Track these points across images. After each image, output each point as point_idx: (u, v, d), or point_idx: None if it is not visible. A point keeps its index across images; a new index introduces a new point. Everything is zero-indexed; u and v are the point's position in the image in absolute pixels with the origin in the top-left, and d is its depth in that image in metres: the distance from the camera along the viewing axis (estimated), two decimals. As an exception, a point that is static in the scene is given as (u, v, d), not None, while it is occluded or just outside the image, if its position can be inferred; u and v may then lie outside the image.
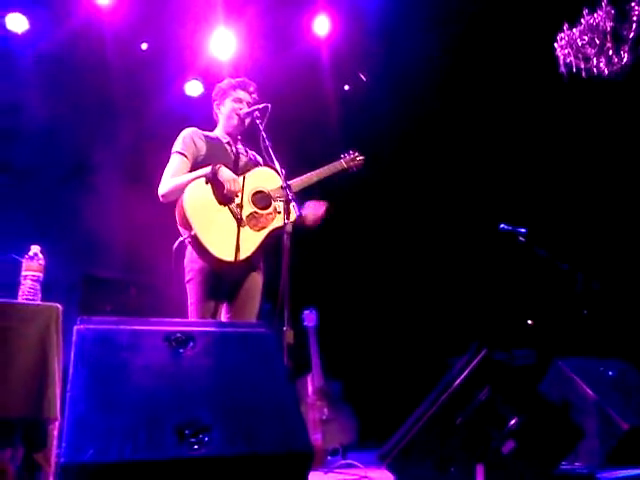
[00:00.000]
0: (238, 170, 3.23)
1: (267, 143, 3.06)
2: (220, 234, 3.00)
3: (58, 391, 2.57)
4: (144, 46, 5.37)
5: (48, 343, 2.58)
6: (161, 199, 3.13)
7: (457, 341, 4.07)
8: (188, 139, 3.24)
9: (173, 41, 5.36)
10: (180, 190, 3.06)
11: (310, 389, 4.29)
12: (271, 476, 1.94)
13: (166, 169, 3.19)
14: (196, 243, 3.00)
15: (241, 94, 3.34)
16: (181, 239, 3.08)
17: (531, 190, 5.72)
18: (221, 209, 3.06)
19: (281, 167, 3.01)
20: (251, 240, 3.05)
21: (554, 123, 5.64)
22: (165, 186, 3.12)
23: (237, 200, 3.09)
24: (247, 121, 3.31)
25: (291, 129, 4.88)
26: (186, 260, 3.16)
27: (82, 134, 5.10)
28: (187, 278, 3.15)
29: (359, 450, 4.22)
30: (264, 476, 1.93)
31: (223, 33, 5.33)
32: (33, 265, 2.77)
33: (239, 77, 3.47)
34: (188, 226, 3.00)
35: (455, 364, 3.16)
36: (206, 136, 3.30)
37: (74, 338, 2.02)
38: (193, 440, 1.84)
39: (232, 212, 3.07)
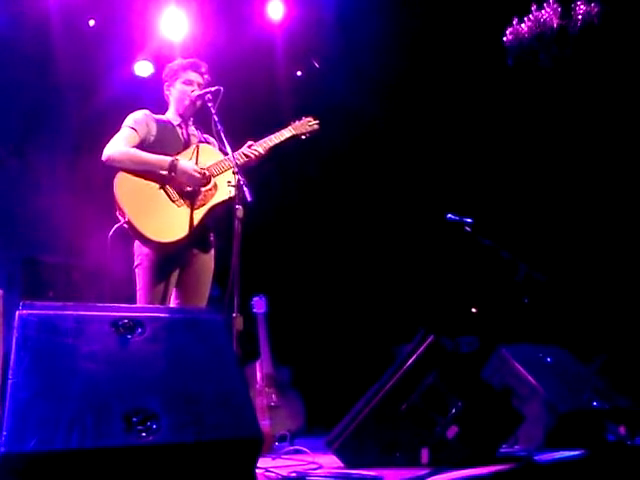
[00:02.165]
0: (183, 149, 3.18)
1: (219, 127, 3.03)
2: (155, 216, 2.95)
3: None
4: (91, 23, 5.20)
5: (-12, 328, 2.49)
6: (106, 162, 3.03)
7: (404, 328, 4.14)
8: (141, 118, 3.18)
9: (122, 18, 5.21)
10: (131, 162, 3.00)
11: (259, 375, 4.29)
12: (220, 463, 1.93)
13: (116, 137, 3.11)
14: (132, 229, 2.95)
15: (192, 75, 3.27)
16: (117, 226, 3.03)
17: (479, 181, 5.83)
18: (155, 191, 3.01)
19: (232, 152, 2.98)
20: (189, 220, 2.99)
21: (499, 113, 5.76)
22: (117, 150, 3.03)
23: (174, 180, 3.03)
24: (199, 103, 3.26)
25: (243, 113, 4.83)
26: (135, 245, 3.11)
27: (24, 114, 4.91)
28: (135, 263, 3.10)
29: (307, 436, 4.25)
30: (213, 463, 1.92)
31: (174, 12, 5.21)
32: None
33: (190, 58, 3.40)
34: (122, 212, 2.96)
35: (402, 351, 3.22)
36: (157, 119, 3.24)
37: (16, 323, 1.95)
38: (141, 428, 1.82)
39: (167, 192, 3.02)
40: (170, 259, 3.06)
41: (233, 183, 2.92)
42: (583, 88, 5.38)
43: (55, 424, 1.72)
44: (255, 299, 4.57)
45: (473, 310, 5.49)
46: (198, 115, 3.33)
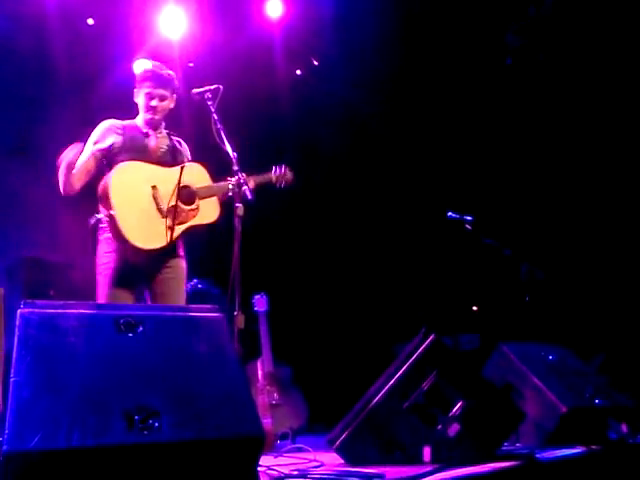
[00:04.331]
0: (153, 160, 3.17)
1: (219, 126, 3.03)
2: (138, 219, 2.97)
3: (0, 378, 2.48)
4: (90, 21, 5.19)
5: (-11, 327, 2.48)
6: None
7: (405, 326, 4.14)
8: (101, 133, 3.19)
9: (120, 16, 5.20)
10: (75, 180, 3.03)
11: (260, 374, 4.29)
12: (223, 461, 1.93)
13: (89, 140, 3.16)
14: (112, 223, 2.97)
15: (152, 89, 3.21)
16: (99, 216, 3.05)
17: (480, 179, 5.83)
18: (146, 195, 3.02)
19: (232, 150, 2.98)
20: (167, 232, 3.01)
21: (499, 111, 5.76)
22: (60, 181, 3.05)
23: (163, 190, 3.05)
24: (159, 114, 3.23)
25: (242, 112, 4.82)
26: (99, 252, 3.12)
27: (24, 113, 4.90)
28: (98, 271, 3.10)
29: (309, 434, 4.25)
30: (215, 461, 1.92)
31: (173, 11, 5.20)
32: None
33: (159, 63, 3.33)
34: (108, 205, 2.97)
35: (403, 349, 3.22)
36: (124, 127, 3.22)
37: (18, 322, 1.95)
38: (142, 426, 1.81)
39: (156, 201, 3.03)
40: (135, 270, 3.07)
41: (233, 181, 2.93)
42: (583, 85, 5.38)
43: (57, 423, 1.72)
44: (256, 297, 4.57)
45: (474, 308, 5.49)
46: (198, 113, 3.33)
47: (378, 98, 5.82)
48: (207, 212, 3.15)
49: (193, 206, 3.11)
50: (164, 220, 3.01)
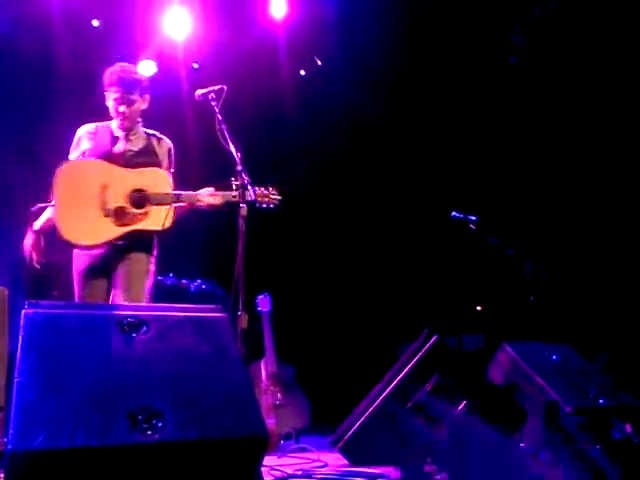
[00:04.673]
0: (121, 163, 3.18)
1: (222, 126, 3.04)
2: (76, 216, 3.00)
3: (3, 379, 2.49)
4: (95, 23, 5.20)
5: (-7, 327, 2.49)
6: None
7: (408, 326, 4.13)
8: (76, 140, 3.27)
9: (125, 18, 5.21)
10: None
11: (264, 374, 4.30)
12: (226, 461, 1.94)
13: (71, 148, 3.27)
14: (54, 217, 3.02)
15: (119, 94, 3.20)
16: (43, 205, 3.10)
17: (484, 178, 5.82)
18: (92, 194, 3.04)
19: (236, 150, 2.99)
20: (105, 232, 3.04)
21: (503, 110, 5.75)
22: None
23: (114, 190, 3.07)
24: (128, 119, 3.22)
25: (246, 112, 4.83)
26: (73, 255, 3.19)
27: (29, 115, 4.92)
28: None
29: (312, 434, 4.26)
30: (219, 461, 1.93)
31: (177, 11, 5.21)
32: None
33: (126, 64, 3.33)
34: (52, 194, 3.02)
35: (406, 350, 3.22)
36: (96, 131, 3.26)
37: (22, 322, 1.96)
38: (146, 426, 1.82)
39: (101, 200, 3.05)
40: (95, 267, 3.12)
41: (237, 182, 2.93)
42: (587, 84, 5.37)
43: (61, 422, 1.73)
44: (260, 298, 4.58)
45: (478, 308, 5.48)
46: (201, 112, 3.32)
47: (382, 98, 5.81)
48: (156, 219, 3.11)
49: (142, 210, 3.10)
50: (107, 220, 3.04)
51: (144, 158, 3.23)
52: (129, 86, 3.20)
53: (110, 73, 3.23)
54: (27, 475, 1.69)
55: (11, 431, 1.68)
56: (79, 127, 3.34)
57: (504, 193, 5.75)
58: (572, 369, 3.97)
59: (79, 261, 3.15)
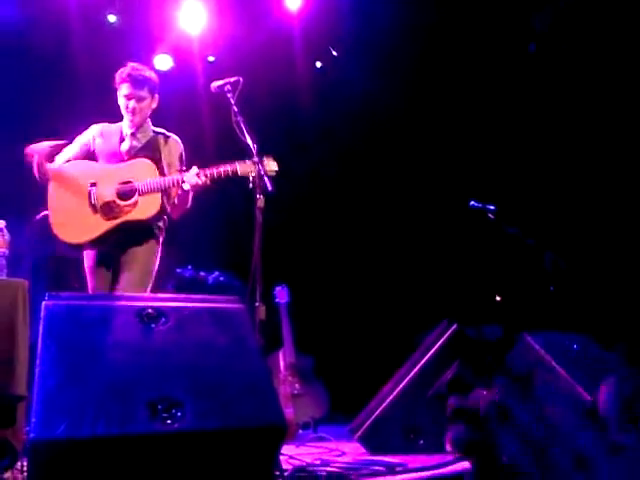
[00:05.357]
0: (128, 158, 3.25)
1: (239, 117, 3.03)
2: (67, 215, 3.11)
3: (25, 369, 2.53)
4: (112, 18, 5.23)
5: (15, 319, 2.53)
6: None
7: (427, 316, 4.12)
8: (88, 132, 3.33)
9: (140, 12, 5.23)
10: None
11: (282, 364, 4.31)
12: (245, 450, 1.95)
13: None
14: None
15: (129, 91, 3.24)
16: (44, 213, 3.19)
17: (503, 168, 5.77)
18: (81, 192, 3.13)
19: (253, 142, 2.99)
20: (95, 228, 3.11)
21: (523, 98, 5.69)
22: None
23: (103, 187, 3.14)
24: (138, 116, 3.25)
25: (262, 104, 4.83)
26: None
27: (49, 110, 4.96)
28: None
29: (330, 424, 4.27)
30: (238, 450, 1.94)
31: (193, 5, 5.22)
32: (-3, 240, 2.71)
33: (137, 64, 3.35)
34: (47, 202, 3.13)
35: (425, 339, 3.22)
36: (107, 132, 3.32)
37: (42, 314, 1.98)
38: (166, 415, 1.84)
39: (90, 197, 3.13)
40: (100, 262, 3.20)
41: (254, 173, 2.93)
42: (607, 72, 5.29)
43: (82, 412, 1.75)
44: (277, 289, 4.59)
45: (497, 298, 5.45)
46: (217, 105, 3.32)
47: (399, 87, 5.78)
48: (145, 208, 3.16)
49: (130, 202, 3.14)
50: (96, 216, 3.11)
51: (144, 152, 3.28)
52: (139, 83, 3.24)
53: (121, 71, 3.28)
54: (49, 463, 1.71)
55: (33, 420, 1.71)
56: (93, 124, 3.40)
57: (523, 182, 5.70)
58: (593, 359, 3.94)
59: (88, 257, 3.25)
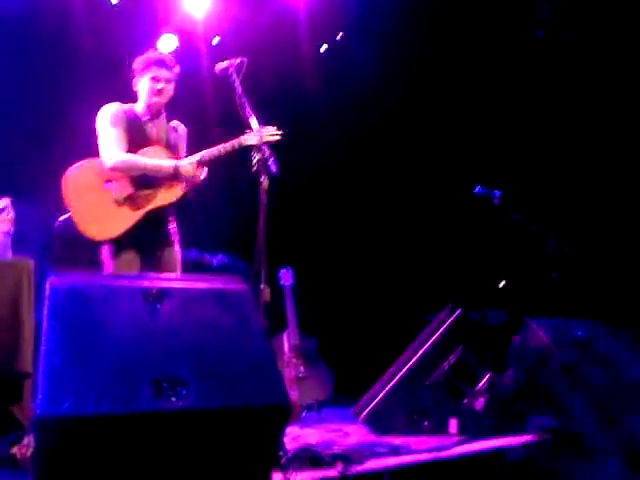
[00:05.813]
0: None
1: (243, 99, 3.01)
2: (92, 213, 3.10)
3: (31, 347, 2.54)
4: (114, 1, 5.18)
5: (20, 298, 2.55)
6: (110, 171, 3.13)
7: (431, 300, 4.12)
8: (117, 113, 3.23)
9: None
10: (135, 170, 3.12)
11: (286, 346, 4.32)
12: (249, 429, 1.95)
13: (107, 141, 3.17)
14: (74, 224, 3.11)
15: (158, 72, 3.24)
16: (64, 217, 3.18)
17: (509, 153, 5.74)
18: (101, 189, 3.13)
19: (257, 124, 2.97)
20: (125, 220, 3.11)
21: (528, 84, 5.65)
22: (120, 160, 3.12)
23: (117, 182, 3.13)
24: (165, 97, 3.25)
25: (267, 87, 4.80)
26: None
27: (54, 89, 4.94)
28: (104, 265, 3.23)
29: (334, 406, 4.29)
30: (242, 429, 1.95)
31: (197, -14, 5.17)
32: (3, 219, 2.71)
33: (157, 52, 3.40)
34: (68, 206, 3.11)
35: (429, 323, 3.22)
36: (128, 114, 3.26)
37: (47, 292, 1.98)
38: (170, 393, 1.84)
39: (111, 192, 3.13)
40: (129, 259, 3.16)
41: (259, 155, 2.92)
42: (614, 59, 5.24)
43: (87, 389, 1.76)
44: (282, 271, 4.59)
45: (502, 283, 5.45)
46: (222, 87, 3.30)
47: (405, 71, 5.74)
48: (166, 193, 3.18)
49: (149, 190, 3.15)
50: (122, 209, 3.12)
51: (172, 143, 3.30)
52: (168, 66, 3.27)
53: (146, 57, 3.28)
54: (55, 440, 1.72)
55: (39, 396, 1.71)
56: (102, 106, 3.34)
57: (529, 168, 5.67)
58: (597, 344, 3.94)
59: (114, 247, 3.20)
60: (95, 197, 3.12)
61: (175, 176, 3.12)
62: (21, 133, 4.68)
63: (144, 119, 3.28)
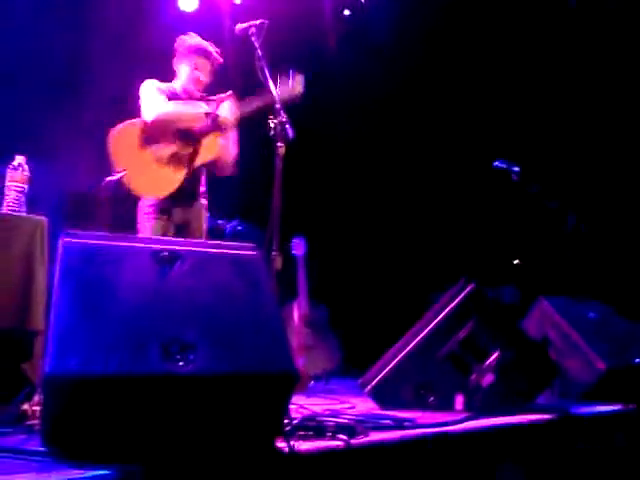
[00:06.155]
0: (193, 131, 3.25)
1: (262, 62, 2.96)
2: (144, 174, 3.17)
3: (43, 306, 2.55)
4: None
5: (33, 255, 2.54)
6: (153, 124, 3.19)
7: (444, 275, 4.09)
8: (162, 87, 3.31)
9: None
10: (175, 116, 3.19)
11: (296, 316, 4.33)
12: (255, 396, 1.95)
13: (149, 100, 3.23)
14: (126, 184, 3.17)
15: (201, 61, 3.35)
16: (112, 178, 3.20)
17: (530, 128, 5.63)
18: (144, 150, 3.19)
19: (275, 87, 2.92)
20: (173, 179, 3.19)
21: (549, 58, 5.51)
22: (160, 110, 3.19)
23: (160, 142, 3.20)
24: (202, 86, 3.33)
25: (287, 51, 4.71)
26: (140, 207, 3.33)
27: (73, 51, 4.89)
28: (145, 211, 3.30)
29: (342, 377, 4.30)
30: (248, 396, 1.94)
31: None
32: (17, 176, 2.70)
33: (204, 40, 3.43)
34: (117, 167, 3.16)
35: (441, 297, 3.19)
36: (168, 91, 3.33)
37: (59, 251, 1.97)
38: (178, 357, 1.84)
39: (154, 152, 3.19)
40: (163, 221, 3.26)
41: (275, 120, 2.87)
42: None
43: (95, 350, 1.75)
44: (295, 241, 4.56)
45: (516, 261, 5.40)
46: (241, 49, 3.26)
47: (426, 39, 5.62)
48: (207, 149, 3.24)
49: (190, 150, 3.22)
50: (168, 169, 3.19)
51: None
52: (213, 59, 3.39)
53: (193, 42, 3.37)
54: (62, 399, 1.73)
55: (48, 355, 1.72)
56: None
57: (549, 144, 5.57)
58: (609, 327, 3.91)
59: (150, 224, 3.29)
60: (141, 157, 3.18)
61: (213, 126, 3.17)
62: (36, 93, 4.66)
63: (183, 97, 3.36)
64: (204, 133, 3.19)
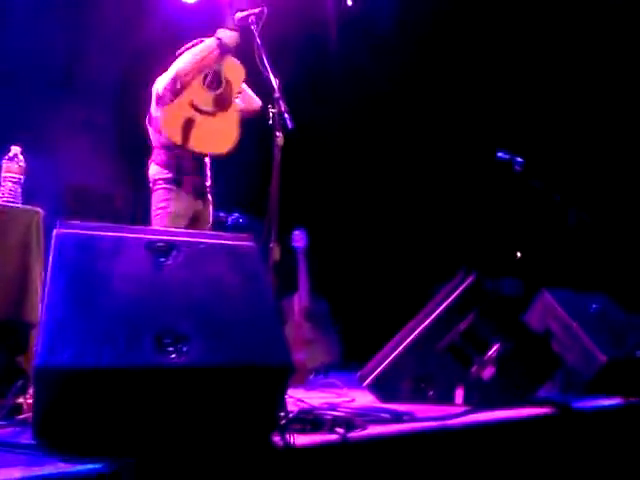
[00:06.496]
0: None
1: (261, 51, 2.92)
2: (202, 133, 3.13)
3: (38, 297, 2.53)
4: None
5: (29, 247, 2.52)
6: (173, 81, 3.14)
7: (445, 267, 4.05)
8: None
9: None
10: (191, 63, 3.15)
11: (296, 308, 4.30)
12: (250, 388, 1.93)
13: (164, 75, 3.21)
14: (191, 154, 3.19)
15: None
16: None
17: (533, 120, 5.58)
18: (193, 114, 3.14)
19: (274, 77, 2.88)
20: (229, 121, 3.22)
21: (554, 53, 5.46)
22: (175, 67, 3.15)
23: (199, 96, 3.16)
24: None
25: (288, 40, 4.67)
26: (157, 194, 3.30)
27: (72, 43, 4.86)
28: (159, 207, 3.27)
29: (342, 371, 4.28)
30: (243, 388, 1.92)
31: None
32: (13, 167, 2.68)
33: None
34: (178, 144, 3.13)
35: (441, 289, 3.16)
36: None
37: (53, 242, 1.95)
38: (172, 349, 1.81)
39: (200, 109, 3.15)
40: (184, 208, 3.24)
41: (274, 110, 2.83)
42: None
43: (87, 341, 1.73)
44: (295, 233, 4.54)
45: (518, 254, 5.37)
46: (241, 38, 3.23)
47: (428, 29, 5.57)
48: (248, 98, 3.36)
49: (221, 89, 3.22)
50: (218, 117, 3.17)
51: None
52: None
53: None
54: (54, 392, 1.71)
55: (39, 347, 1.70)
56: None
57: (552, 136, 5.53)
58: (611, 319, 3.89)
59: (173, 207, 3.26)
60: (195, 122, 3.12)
61: (222, 50, 3.16)
62: (34, 83, 4.63)
63: None
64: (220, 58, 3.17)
